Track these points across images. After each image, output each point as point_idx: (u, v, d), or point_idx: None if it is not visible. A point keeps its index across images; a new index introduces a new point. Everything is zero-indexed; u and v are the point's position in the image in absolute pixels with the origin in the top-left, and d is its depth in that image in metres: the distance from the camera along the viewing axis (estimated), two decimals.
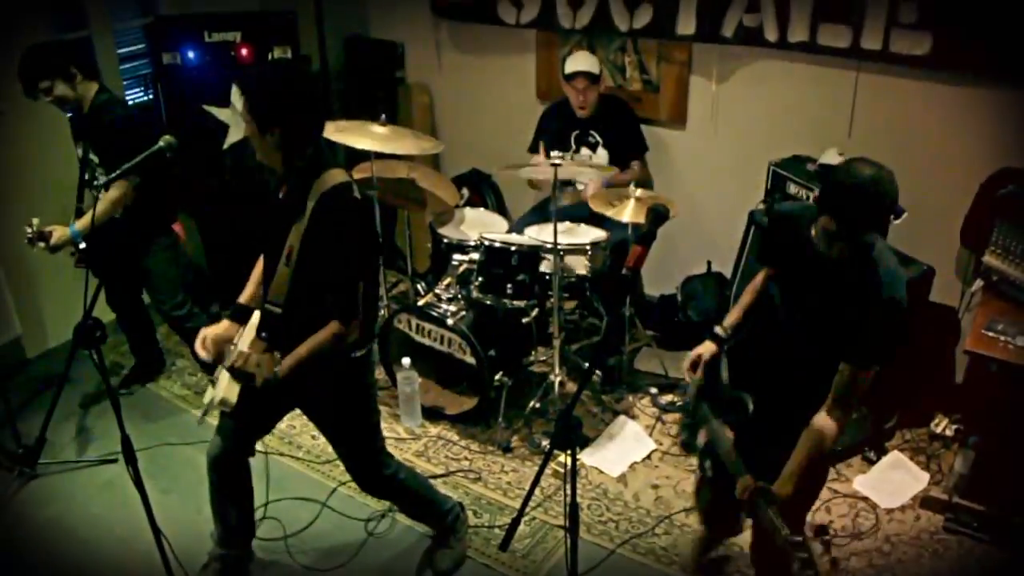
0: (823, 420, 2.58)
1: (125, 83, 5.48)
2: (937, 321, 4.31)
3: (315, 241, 2.87)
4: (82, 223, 3.97)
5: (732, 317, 2.95)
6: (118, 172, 3.17)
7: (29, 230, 3.93)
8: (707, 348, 2.91)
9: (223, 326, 3.17)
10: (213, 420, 3.31)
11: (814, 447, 2.56)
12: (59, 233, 3.95)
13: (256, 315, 3.11)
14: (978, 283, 3.98)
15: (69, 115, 4.15)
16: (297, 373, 2.94)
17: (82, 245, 3.99)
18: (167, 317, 4.51)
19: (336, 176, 2.91)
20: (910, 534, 3.82)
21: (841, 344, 2.53)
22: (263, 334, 3.01)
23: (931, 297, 4.16)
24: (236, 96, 4.98)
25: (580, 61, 4.88)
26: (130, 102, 5.51)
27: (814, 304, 2.56)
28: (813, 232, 2.56)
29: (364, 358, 3.18)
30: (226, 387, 2.99)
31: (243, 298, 3.23)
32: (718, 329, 2.92)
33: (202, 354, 3.11)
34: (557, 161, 4.15)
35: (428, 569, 3.71)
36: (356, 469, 3.46)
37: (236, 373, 2.92)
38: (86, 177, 4.17)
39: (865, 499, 4.00)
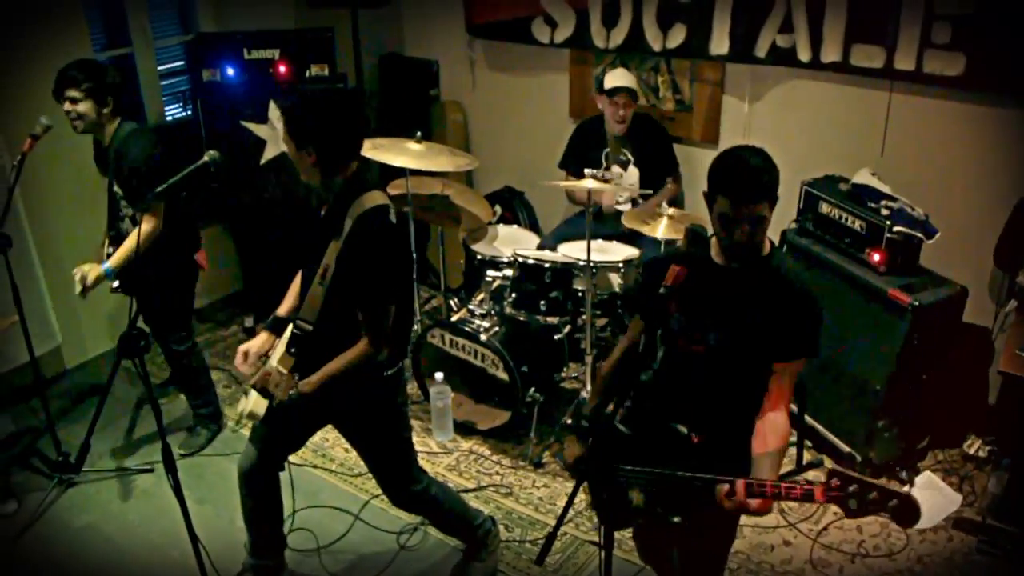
0: (781, 416, 2.56)
1: (165, 99, 5.59)
2: (970, 342, 4.30)
3: (349, 261, 2.93)
4: (115, 261, 3.97)
5: (592, 403, 2.93)
6: (163, 187, 3.20)
7: (78, 278, 3.92)
8: (577, 449, 2.84)
9: (261, 339, 3.23)
10: (246, 431, 3.36)
11: (783, 439, 2.55)
12: (94, 273, 3.94)
13: (289, 329, 3.16)
14: (1012, 304, 3.97)
15: (94, 140, 4.15)
16: (325, 389, 3.00)
17: (115, 284, 4.02)
18: (165, 348, 4.43)
19: (375, 198, 2.96)
20: (943, 555, 3.80)
21: (773, 345, 2.53)
22: (292, 350, 3.06)
23: (964, 318, 4.14)
24: (276, 114, 5.07)
25: (621, 77, 4.91)
26: (169, 117, 5.62)
27: (731, 316, 2.56)
28: (713, 252, 2.60)
29: (395, 376, 3.23)
30: (255, 400, 3.04)
31: (281, 310, 3.29)
32: (583, 422, 2.88)
33: (244, 369, 3.16)
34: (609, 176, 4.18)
35: None
36: (387, 484, 3.50)
37: (260, 391, 3.00)
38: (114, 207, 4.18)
39: None
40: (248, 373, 3.16)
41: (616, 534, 3.65)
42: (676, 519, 2.67)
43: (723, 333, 2.57)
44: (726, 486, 2.40)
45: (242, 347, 3.20)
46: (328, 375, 2.98)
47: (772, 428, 2.55)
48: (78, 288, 3.93)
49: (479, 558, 3.74)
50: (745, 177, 2.44)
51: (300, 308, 3.08)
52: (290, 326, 3.15)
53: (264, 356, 3.20)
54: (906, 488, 2.30)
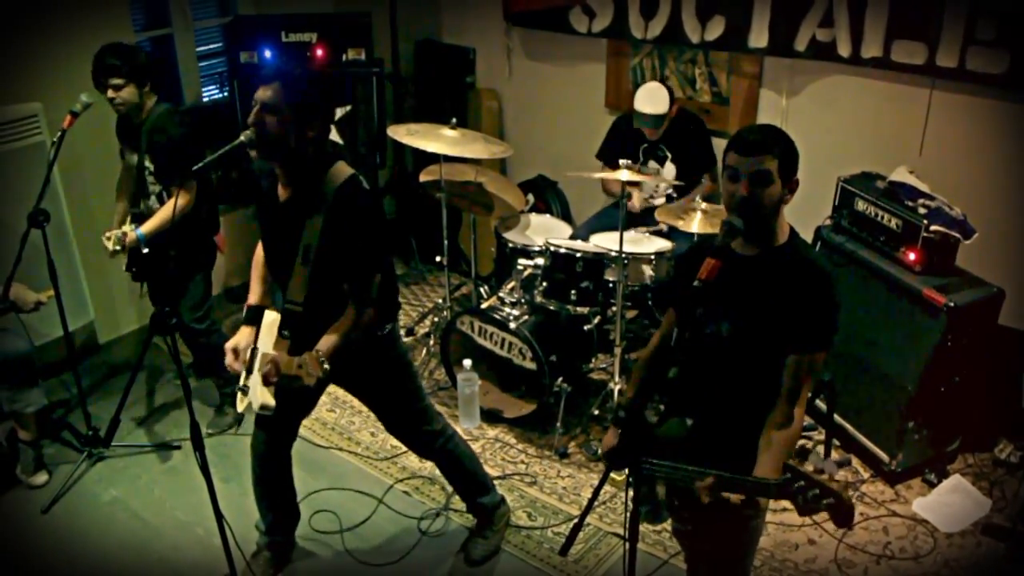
0: (789, 415, 2.51)
1: (202, 80, 5.62)
2: (1005, 344, 4.23)
3: (333, 234, 2.90)
4: (148, 228, 4.02)
5: (629, 395, 2.90)
6: (201, 164, 3.21)
7: (110, 242, 3.96)
8: (612, 439, 2.81)
9: (244, 333, 3.19)
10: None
11: (786, 441, 2.51)
12: (133, 235, 4.00)
13: (268, 315, 3.17)
14: None
15: (119, 116, 4.16)
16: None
17: (145, 250, 4.03)
18: (184, 327, 4.36)
19: (344, 169, 2.96)
20: (970, 560, 3.75)
21: (788, 335, 2.49)
22: (285, 333, 3.05)
23: (1000, 320, 4.08)
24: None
25: (644, 101, 4.86)
26: (206, 98, 5.65)
27: (745, 305, 2.53)
28: (734, 241, 2.54)
29: (388, 333, 3.24)
30: (262, 392, 3.00)
31: (253, 299, 3.27)
32: (620, 412, 2.84)
33: (236, 366, 3.13)
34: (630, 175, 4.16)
35: (461, 555, 3.78)
36: (399, 430, 3.55)
37: (282, 380, 2.92)
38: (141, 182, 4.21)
39: (924, 522, 3.95)
40: (242, 370, 3.13)
41: (640, 527, 3.65)
42: (685, 513, 2.71)
43: (736, 323, 2.55)
44: (709, 479, 2.39)
45: (229, 344, 3.15)
46: (334, 349, 2.93)
47: (771, 425, 2.51)
48: (115, 246, 3.95)
49: (484, 535, 3.79)
50: (746, 132, 2.57)
51: (284, 293, 3.04)
52: (267, 313, 3.16)
53: (250, 349, 3.17)
54: (847, 489, 2.27)
